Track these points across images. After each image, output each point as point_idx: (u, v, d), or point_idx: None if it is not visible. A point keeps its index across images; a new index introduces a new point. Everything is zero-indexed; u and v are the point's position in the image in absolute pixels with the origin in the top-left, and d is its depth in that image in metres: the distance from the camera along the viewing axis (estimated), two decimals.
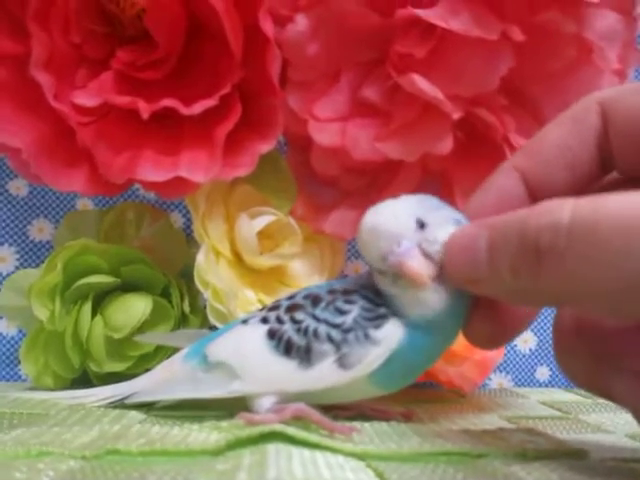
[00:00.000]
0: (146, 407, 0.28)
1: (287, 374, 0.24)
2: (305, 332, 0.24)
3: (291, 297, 0.26)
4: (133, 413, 0.27)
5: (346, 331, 0.24)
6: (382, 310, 0.24)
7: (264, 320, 0.26)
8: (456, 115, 0.30)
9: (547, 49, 0.31)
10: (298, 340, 0.24)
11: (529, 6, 0.30)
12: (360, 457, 0.20)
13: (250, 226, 0.33)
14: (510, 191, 0.22)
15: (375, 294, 0.24)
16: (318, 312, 0.25)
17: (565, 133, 0.21)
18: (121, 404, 0.28)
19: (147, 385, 0.28)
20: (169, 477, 0.16)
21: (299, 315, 0.25)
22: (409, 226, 0.22)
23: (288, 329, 0.25)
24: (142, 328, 0.32)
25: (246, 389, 0.25)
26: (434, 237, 0.22)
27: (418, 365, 0.25)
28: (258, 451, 0.20)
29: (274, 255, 0.34)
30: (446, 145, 0.31)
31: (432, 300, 0.23)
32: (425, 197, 0.24)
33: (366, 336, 0.24)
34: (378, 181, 0.35)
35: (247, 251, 0.33)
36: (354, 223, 0.35)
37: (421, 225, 0.22)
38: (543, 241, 0.17)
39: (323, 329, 0.24)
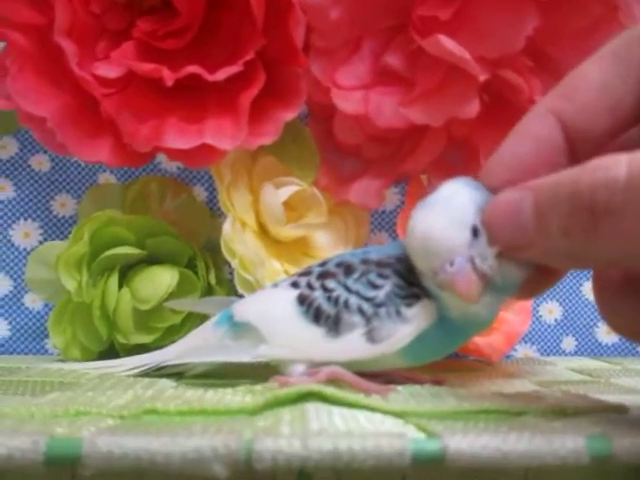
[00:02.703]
0: (176, 376, 0.28)
1: (314, 342, 0.24)
2: (336, 301, 0.24)
3: (323, 264, 0.26)
4: (164, 380, 0.27)
5: (378, 305, 0.24)
6: (415, 289, 0.23)
7: (294, 284, 0.26)
8: (483, 77, 0.30)
9: (572, 6, 0.31)
10: (328, 308, 0.24)
11: None
12: (399, 415, 0.20)
13: (276, 195, 0.32)
14: (546, 138, 0.20)
15: (409, 270, 0.24)
16: (350, 283, 0.24)
17: (606, 70, 0.20)
18: (151, 373, 0.28)
19: (179, 352, 0.28)
20: (214, 429, 0.16)
21: (330, 283, 0.25)
22: (464, 239, 0.21)
23: (319, 296, 0.25)
24: (168, 300, 0.32)
25: (272, 353, 0.25)
26: (486, 252, 0.21)
27: (449, 345, 0.25)
28: (297, 409, 0.19)
29: (299, 225, 0.34)
30: (472, 108, 0.31)
31: (480, 312, 0.23)
32: (473, 185, 0.22)
33: (398, 312, 0.23)
34: (402, 149, 0.35)
35: (273, 221, 0.33)
36: (378, 192, 0.35)
37: (475, 233, 0.21)
38: (599, 199, 0.16)
39: (354, 301, 0.24)
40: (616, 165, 0.16)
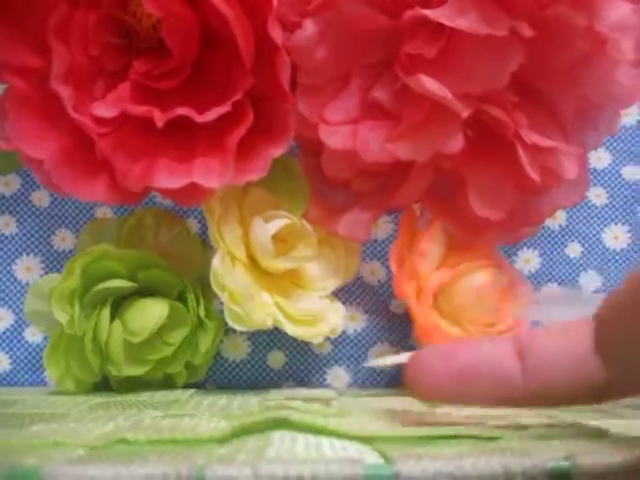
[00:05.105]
0: (165, 406, 0.29)
1: None
2: None
3: None
4: (151, 411, 0.27)
5: None
6: None
7: None
8: (465, 113, 0.30)
9: (558, 43, 0.31)
10: None
11: (538, 1, 0.30)
12: (367, 441, 0.20)
13: (265, 229, 0.33)
14: None
15: None
16: None
17: None
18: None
19: None
20: (169, 457, 0.17)
21: None
22: None
23: None
24: (159, 332, 0.33)
25: None
26: None
27: None
28: (263, 437, 0.20)
29: (289, 258, 0.34)
30: (456, 144, 0.31)
31: None
32: None
33: None
34: (390, 182, 0.35)
35: (262, 254, 0.33)
36: (367, 225, 0.36)
37: None
38: None
39: None
40: None
